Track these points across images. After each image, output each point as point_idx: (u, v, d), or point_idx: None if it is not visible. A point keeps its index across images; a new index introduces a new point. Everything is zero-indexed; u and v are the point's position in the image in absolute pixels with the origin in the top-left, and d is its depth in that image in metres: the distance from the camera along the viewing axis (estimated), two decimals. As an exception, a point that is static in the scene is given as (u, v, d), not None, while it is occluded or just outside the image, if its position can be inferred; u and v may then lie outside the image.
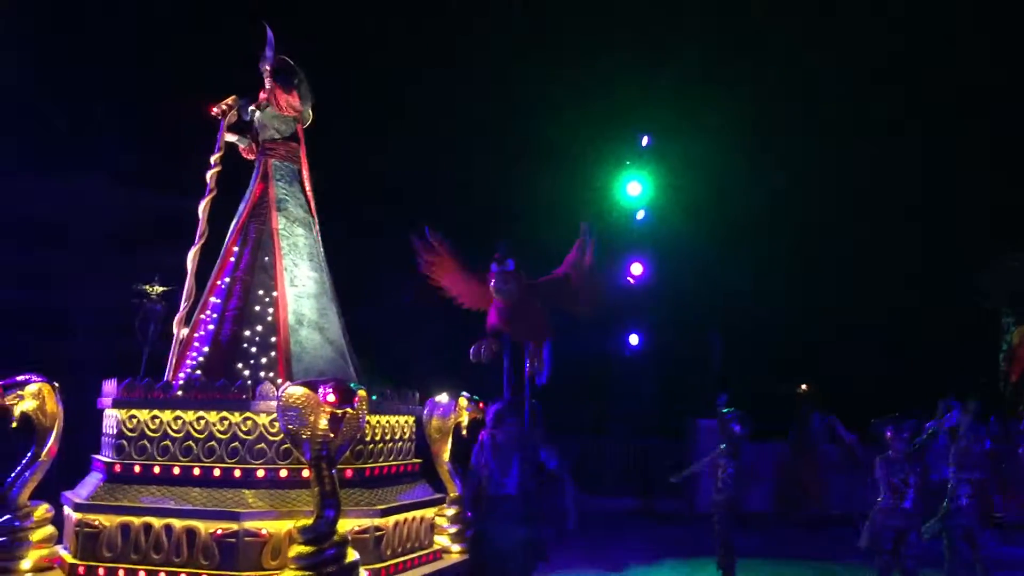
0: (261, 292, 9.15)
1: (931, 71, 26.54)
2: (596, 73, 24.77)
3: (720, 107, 25.62)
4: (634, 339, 24.62)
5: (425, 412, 9.82)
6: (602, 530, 15.73)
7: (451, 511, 9.69)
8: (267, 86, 9.68)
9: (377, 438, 8.81)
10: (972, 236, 26.70)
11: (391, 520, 8.31)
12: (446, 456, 9.88)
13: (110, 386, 8.54)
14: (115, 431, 8.34)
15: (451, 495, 9.80)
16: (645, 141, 24.53)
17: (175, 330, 9.17)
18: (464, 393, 9.89)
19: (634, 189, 23.92)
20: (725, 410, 10.74)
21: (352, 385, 7.39)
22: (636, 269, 23.75)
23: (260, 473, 7.88)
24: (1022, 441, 15.35)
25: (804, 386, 21.86)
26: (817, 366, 26.14)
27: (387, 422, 9.00)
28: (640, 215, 24.35)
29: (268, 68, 9.64)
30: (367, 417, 7.93)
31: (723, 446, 10.58)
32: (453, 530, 9.59)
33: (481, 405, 9.65)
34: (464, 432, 9.78)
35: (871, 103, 27.08)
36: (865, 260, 28.25)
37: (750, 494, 17.44)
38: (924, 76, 26.66)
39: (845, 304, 27.69)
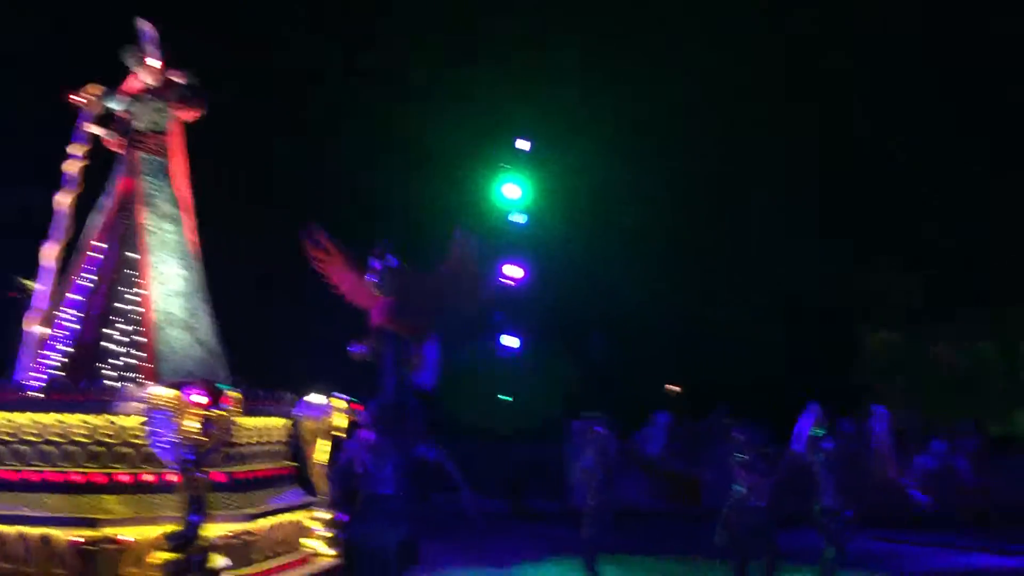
0: (126, 290, 8.83)
1: (799, 81, 27.52)
2: (480, 77, 24.86)
3: (601, 114, 26.07)
4: (514, 341, 24.78)
5: (298, 413, 9.64)
6: (479, 530, 15.76)
7: (324, 514, 9.54)
8: (148, 80, 9.42)
9: (250, 441, 8.62)
10: (843, 244, 27.85)
11: (262, 524, 8.13)
12: (321, 458, 9.71)
13: (-40, 388, 8.10)
14: (-34, 435, 7.90)
15: (324, 498, 9.66)
16: (526, 145, 24.74)
17: (28, 329, 8.77)
18: (338, 394, 9.76)
19: (511, 192, 24.08)
20: (590, 415, 10.86)
21: (222, 386, 7.20)
22: (515, 272, 23.88)
23: (124, 478, 7.59)
24: (872, 440, 16.14)
25: (672, 387, 22.41)
26: (692, 366, 26.88)
27: (260, 424, 8.81)
28: (520, 218, 24.53)
29: (150, 62, 9.38)
30: (238, 419, 7.75)
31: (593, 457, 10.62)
32: (326, 533, 9.44)
33: (357, 406, 9.54)
34: (342, 434, 9.65)
35: (749, 108, 27.86)
36: (739, 263, 29.12)
37: (630, 490, 17.81)
38: (791, 84, 27.62)
39: (722, 305, 28.51)
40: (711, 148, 28.32)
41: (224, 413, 7.13)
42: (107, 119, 9.52)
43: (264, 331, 19.07)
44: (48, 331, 8.80)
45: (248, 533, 7.91)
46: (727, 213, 29.30)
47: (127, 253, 8.99)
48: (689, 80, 27.02)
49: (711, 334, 27.93)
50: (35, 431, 7.74)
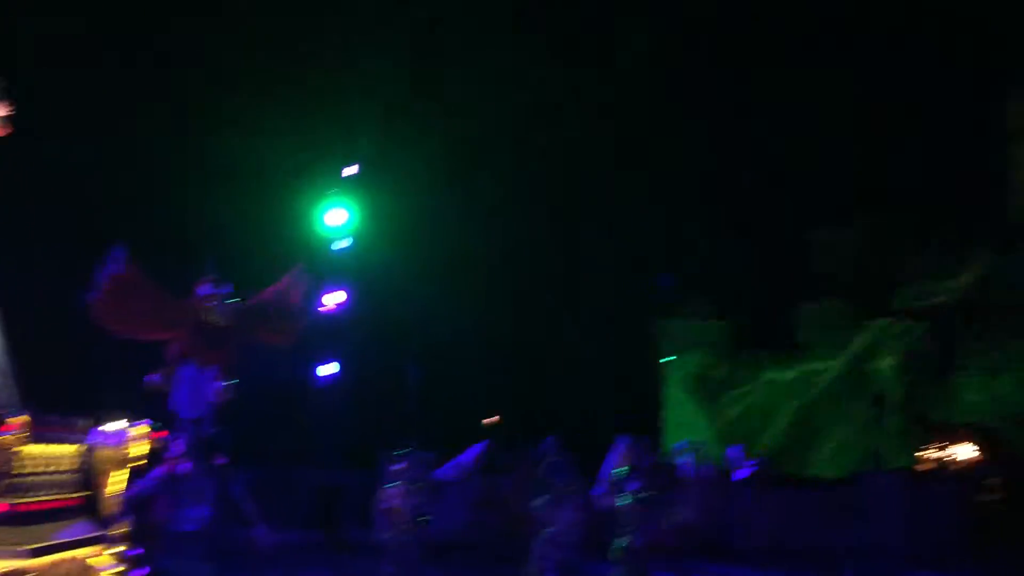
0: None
1: (632, 99, 28.48)
2: (306, 99, 24.51)
3: (429, 138, 26.15)
4: (332, 368, 24.36)
5: (93, 441, 9.08)
6: (292, 561, 15.31)
7: (115, 549, 9.00)
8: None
9: (36, 470, 8.03)
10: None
11: (43, 561, 7.57)
12: (115, 489, 9.18)
13: None
14: None
15: (117, 532, 9.12)
16: (353, 169, 24.53)
17: None
18: (139, 421, 9.27)
19: (335, 217, 23.78)
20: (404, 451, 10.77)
21: (5, 410, 6.70)
22: (337, 298, 23.53)
23: None
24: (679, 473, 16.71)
25: (493, 418, 22.60)
26: (517, 397, 27.16)
27: (46, 452, 8.22)
28: (344, 243, 24.22)
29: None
30: (21, 447, 7.21)
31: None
32: (116, 569, 8.91)
33: (159, 434, 9.08)
34: (140, 462, 9.15)
35: (580, 135, 28.62)
36: (567, 293, 29.75)
37: (445, 521, 17.73)
38: (620, 104, 28.56)
39: (549, 336, 29.00)
40: (542, 167, 28.92)
41: (6, 439, 6.62)
42: None
43: (65, 354, 18.03)
44: None
45: (26, 571, 7.35)
46: (560, 236, 29.92)
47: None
48: (521, 95, 27.52)
49: (542, 362, 28.35)
50: None
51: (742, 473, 20.12)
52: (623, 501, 10.67)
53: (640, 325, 30.18)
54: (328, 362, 23.94)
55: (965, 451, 30.64)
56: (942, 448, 30.63)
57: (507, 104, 27.42)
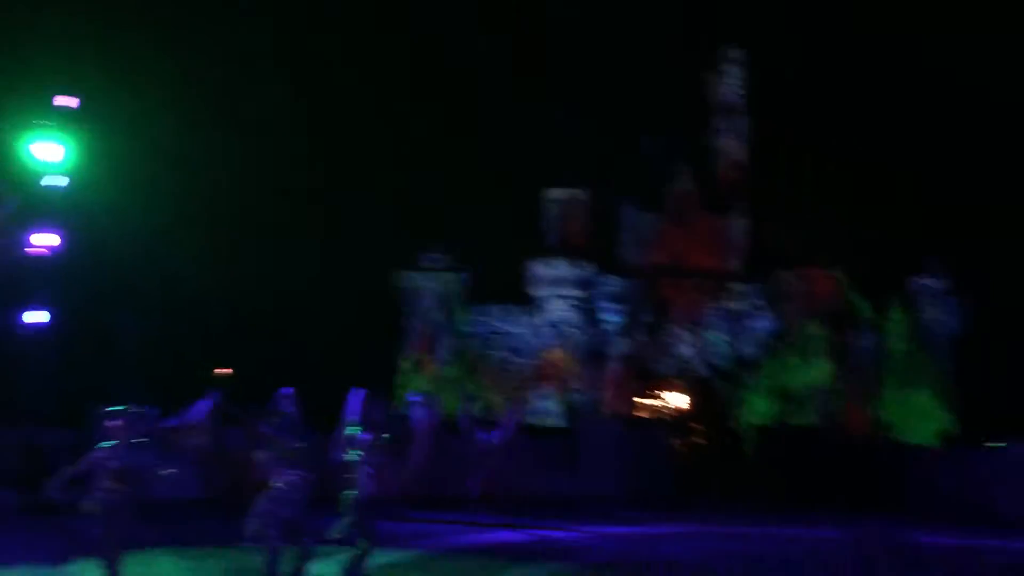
0: None
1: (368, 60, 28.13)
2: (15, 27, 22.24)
3: (160, 77, 24.56)
4: (41, 316, 22.45)
5: None
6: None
7: None
8: None
9: None
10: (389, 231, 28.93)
11: None
12: None
13: None
14: None
15: None
16: (70, 101, 22.50)
17: None
18: None
19: (46, 151, 21.75)
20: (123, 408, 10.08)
21: None
22: (49, 239, 21.62)
23: None
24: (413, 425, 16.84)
25: (225, 370, 21.79)
26: (251, 349, 26.32)
27: None
28: (59, 181, 22.24)
29: None
30: None
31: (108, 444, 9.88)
32: None
33: None
34: None
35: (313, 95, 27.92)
36: (302, 244, 29.08)
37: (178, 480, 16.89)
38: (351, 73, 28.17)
39: (284, 287, 28.25)
40: (279, 114, 28.05)
41: None
42: None
43: None
44: None
45: None
46: (297, 186, 29.20)
47: None
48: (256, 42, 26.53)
49: (277, 313, 27.62)
50: None
51: (464, 422, 20.39)
52: (353, 454, 10.59)
53: (379, 277, 30.18)
54: (36, 309, 22.03)
55: (679, 400, 32.99)
56: (658, 398, 32.82)
57: (245, 47, 26.34)
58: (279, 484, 9.47)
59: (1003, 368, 28.11)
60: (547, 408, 30.16)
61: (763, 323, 31.93)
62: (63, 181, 22.51)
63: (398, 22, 32.06)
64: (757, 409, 31.25)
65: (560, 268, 31.12)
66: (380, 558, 11.64)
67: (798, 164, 31.58)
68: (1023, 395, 26.80)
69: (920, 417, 30.15)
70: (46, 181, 21.88)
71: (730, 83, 33.36)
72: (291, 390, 11.90)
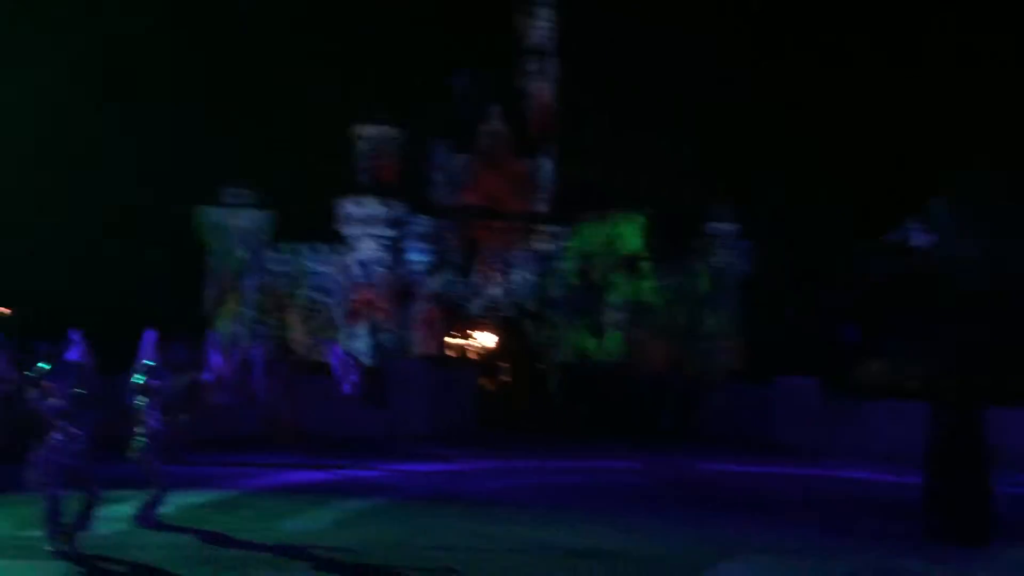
0: None
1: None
2: None
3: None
4: None
5: None
6: None
7: None
8: None
9: None
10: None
11: None
12: None
13: None
14: None
15: None
16: None
17: None
18: None
19: None
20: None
21: None
22: None
23: None
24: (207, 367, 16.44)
25: (4, 310, 20.42)
26: (39, 289, 24.75)
27: None
28: None
29: None
30: None
31: None
32: None
33: None
34: None
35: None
36: (98, 178, 27.56)
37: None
38: None
39: (76, 225, 26.73)
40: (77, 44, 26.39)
41: None
42: None
43: None
44: None
45: None
46: (91, 118, 27.56)
47: None
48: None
49: (69, 251, 26.10)
50: None
51: (256, 360, 19.87)
52: (141, 399, 10.24)
53: (184, 214, 28.96)
54: None
55: (488, 339, 33.54)
56: (467, 337, 33.25)
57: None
58: (58, 433, 9.03)
59: (785, 308, 30.07)
60: (357, 348, 30.02)
61: (571, 264, 32.81)
62: None
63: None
64: (564, 347, 32.26)
65: (370, 207, 30.80)
66: (179, 500, 11.42)
67: (606, 107, 32.37)
68: (803, 333, 28.80)
69: (709, 353, 31.97)
70: None
71: (540, 24, 33.63)
72: (79, 333, 11.34)
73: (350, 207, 30.98)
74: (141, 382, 10.39)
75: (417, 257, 31.61)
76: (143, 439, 10.32)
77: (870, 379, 20.67)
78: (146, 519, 10.34)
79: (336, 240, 31.01)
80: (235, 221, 29.54)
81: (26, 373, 10.75)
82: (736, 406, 24.32)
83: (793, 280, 28.27)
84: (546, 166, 32.83)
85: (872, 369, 21.38)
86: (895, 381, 19.49)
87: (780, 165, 32.51)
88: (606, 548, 10.17)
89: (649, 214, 32.09)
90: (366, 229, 30.82)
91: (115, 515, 10.36)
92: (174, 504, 11.05)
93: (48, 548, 9.09)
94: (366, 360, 28.59)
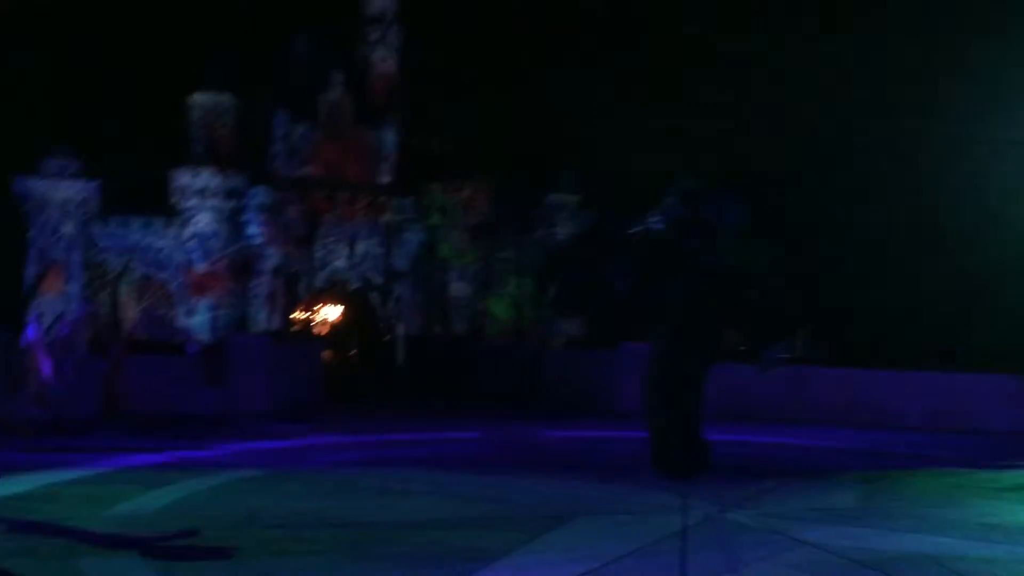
0: None
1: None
2: None
3: None
4: None
5: None
6: None
7: None
8: None
9: None
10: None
11: None
12: None
13: None
14: None
15: None
16: None
17: None
18: None
19: None
20: None
21: None
22: None
23: None
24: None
25: None
26: None
27: None
28: None
29: None
30: None
31: None
32: None
33: None
34: None
35: None
36: None
37: None
38: None
39: None
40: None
41: None
42: None
43: None
44: None
45: None
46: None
47: None
48: None
49: None
50: None
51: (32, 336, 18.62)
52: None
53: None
54: None
55: (333, 313, 33.01)
56: (311, 311, 32.63)
57: None
58: None
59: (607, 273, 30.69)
60: (195, 324, 28.98)
61: (416, 236, 32.59)
62: None
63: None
64: (410, 320, 32.09)
65: (206, 178, 29.64)
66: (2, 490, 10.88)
67: (449, 77, 32.17)
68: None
69: (554, 322, 32.41)
70: None
71: (382, -8, 33.06)
72: None
73: (185, 178, 29.75)
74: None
75: (257, 230, 30.69)
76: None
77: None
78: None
79: (171, 213, 29.74)
80: (59, 192, 27.85)
81: None
82: (583, 373, 24.79)
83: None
84: (390, 136, 32.41)
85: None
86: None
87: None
88: (441, 517, 10.20)
89: (491, 184, 32.19)
90: (202, 201, 29.68)
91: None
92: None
93: None
94: (205, 337, 27.68)
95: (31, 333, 16.48)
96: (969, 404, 20.54)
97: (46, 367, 16.26)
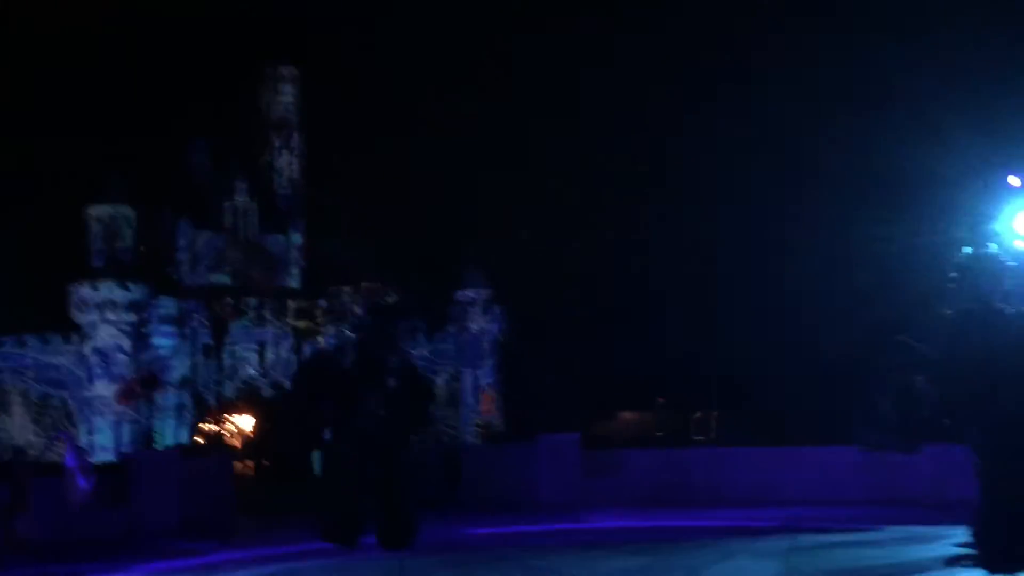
0: None
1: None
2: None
3: None
4: None
5: None
6: None
7: None
8: None
9: None
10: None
11: None
12: None
13: None
14: None
15: None
16: None
17: None
18: None
19: None
20: None
21: None
22: None
23: None
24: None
25: None
26: None
27: None
28: None
29: None
30: None
31: None
32: None
33: None
34: None
35: None
36: None
37: None
38: None
39: None
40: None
41: None
42: None
43: None
44: None
45: None
46: None
47: None
48: None
49: None
50: None
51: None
52: None
53: None
54: None
55: (244, 422, 32.24)
56: (221, 422, 31.83)
57: None
58: None
59: (541, 367, 30.86)
60: (98, 442, 27.91)
61: (328, 339, 32.18)
62: None
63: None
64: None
65: (107, 290, 28.92)
66: None
67: (351, 179, 32.37)
68: (560, 391, 29.64)
69: (468, 416, 32.09)
70: None
71: (284, 99, 33.30)
72: None
73: (84, 291, 28.99)
74: None
75: (162, 341, 29.95)
76: None
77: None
78: None
79: (69, 328, 28.88)
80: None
81: None
82: (500, 467, 24.46)
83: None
84: (294, 240, 32.25)
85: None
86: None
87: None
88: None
89: (402, 283, 32.17)
90: (103, 314, 28.90)
91: None
92: None
93: None
94: (108, 455, 26.66)
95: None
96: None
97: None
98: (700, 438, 33.25)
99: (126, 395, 28.52)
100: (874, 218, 26.94)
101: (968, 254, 11.61)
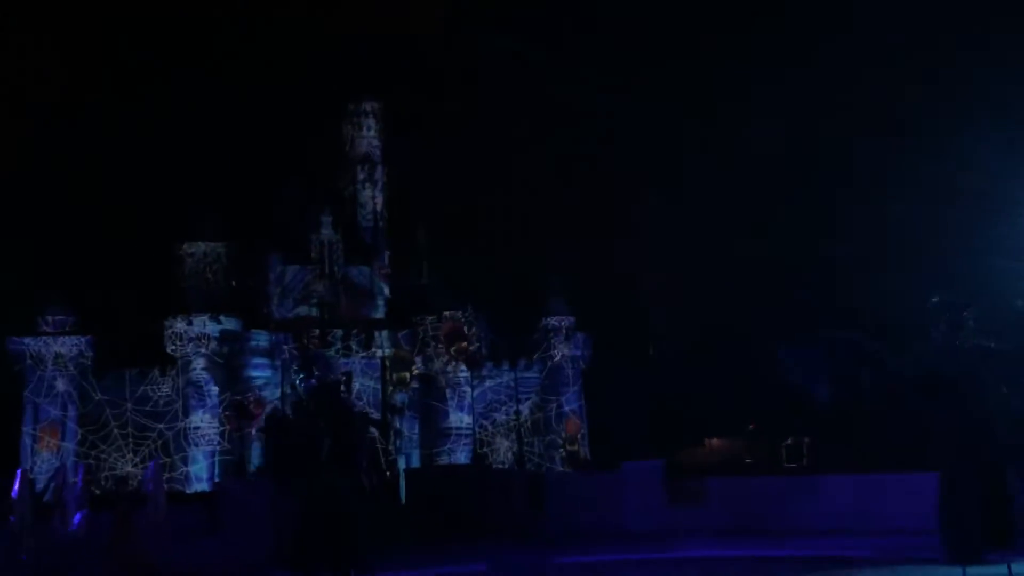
0: None
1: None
2: None
3: None
4: None
5: None
6: None
7: None
8: None
9: None
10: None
11: None
12: None
13: None
14: None
15: None
16: None
17: None
18: None
19: None
20: None
21: None
22: None
23: None
24: None
25: None
26: None
27: None
28: None
29: None
30: None
31: None
32: None
33: None
34: None
35: None
36: None
37: None
38: None
39: None
40: None
41: None
42: None
43: None
44: None
45: None
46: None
47: None
48: None
49: None
50: None
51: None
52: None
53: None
54: None
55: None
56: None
57: None
58: None
59: (623, 395, 30.62)
60: (193, 472, 28.66)
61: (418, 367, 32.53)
62: None
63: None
64: (411, 452, 31.72)
65: (201, 325, 29.82)
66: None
67: (433, 212, 32.76)
68: (641, 418, 29.34)
69: (554, 445, 32.02)
70: None
71: (367, 134, 33.96)
72: None
73: (179, 326, 29.92)
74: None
75: (256, 373, 30.67)
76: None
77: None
78: None
79: (166, 362, 29.81)
80: (53, 349, 27.97)
81: None
82: (585, 495, 24.28)
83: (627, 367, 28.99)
84: (379, 272, 32.74)
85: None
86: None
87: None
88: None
89: (487, 313, 32.34)
90: (198, 348, 29.77)
91: None
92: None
93: None
94: (203, 485, 27.32)
95: (14, 492, 16.23)
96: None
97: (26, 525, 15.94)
98: (792, 465, 32.52)
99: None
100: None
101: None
